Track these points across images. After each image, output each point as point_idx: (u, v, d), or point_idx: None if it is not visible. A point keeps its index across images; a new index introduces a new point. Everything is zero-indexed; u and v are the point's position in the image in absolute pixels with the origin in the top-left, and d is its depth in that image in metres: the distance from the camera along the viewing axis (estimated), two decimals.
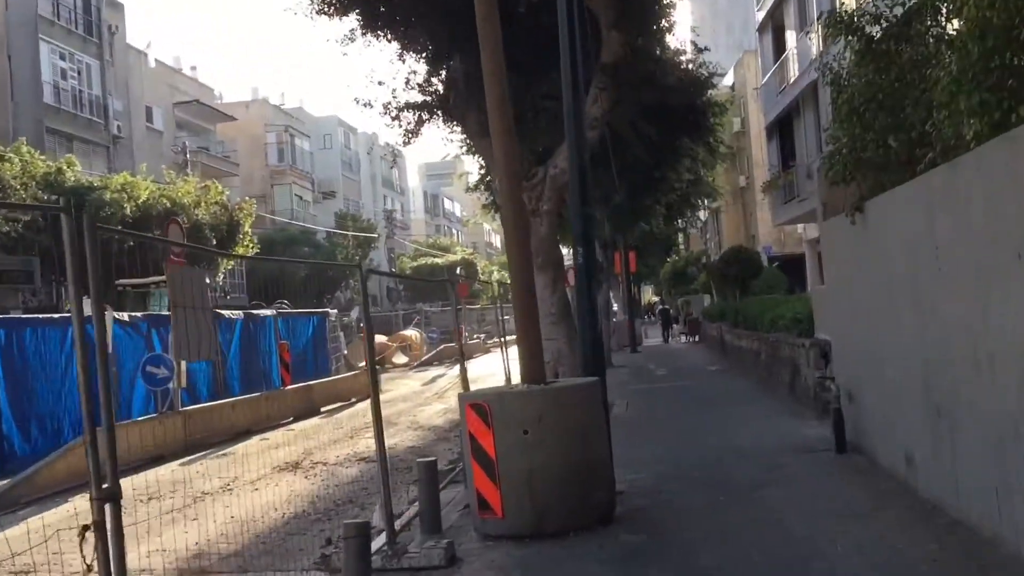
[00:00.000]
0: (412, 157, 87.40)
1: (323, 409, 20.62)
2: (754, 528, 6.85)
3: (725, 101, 25.84)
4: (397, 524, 8.02)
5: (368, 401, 22.26)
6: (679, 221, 47.55)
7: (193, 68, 51.70)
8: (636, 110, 23.32)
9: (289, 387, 19.36)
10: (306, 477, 12.06)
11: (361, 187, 72.89)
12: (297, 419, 19.09)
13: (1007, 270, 5.21)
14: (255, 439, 16.29)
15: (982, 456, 5.87)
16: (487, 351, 41.50)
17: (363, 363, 28.00)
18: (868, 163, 8.52)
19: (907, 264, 7.20)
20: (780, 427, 11.82)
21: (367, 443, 15.08)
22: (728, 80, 49.52)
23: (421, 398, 22.80)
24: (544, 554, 6.69)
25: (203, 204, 26.89)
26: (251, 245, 29.13)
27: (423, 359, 36.85)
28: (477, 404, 7.28)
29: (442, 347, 37.24)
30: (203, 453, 14.73)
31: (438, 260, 67.52)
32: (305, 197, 61.09)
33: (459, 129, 16.50)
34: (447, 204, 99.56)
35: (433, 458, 7.97)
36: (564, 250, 34.66)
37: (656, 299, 73.95)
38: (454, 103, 15.60)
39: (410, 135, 16.75)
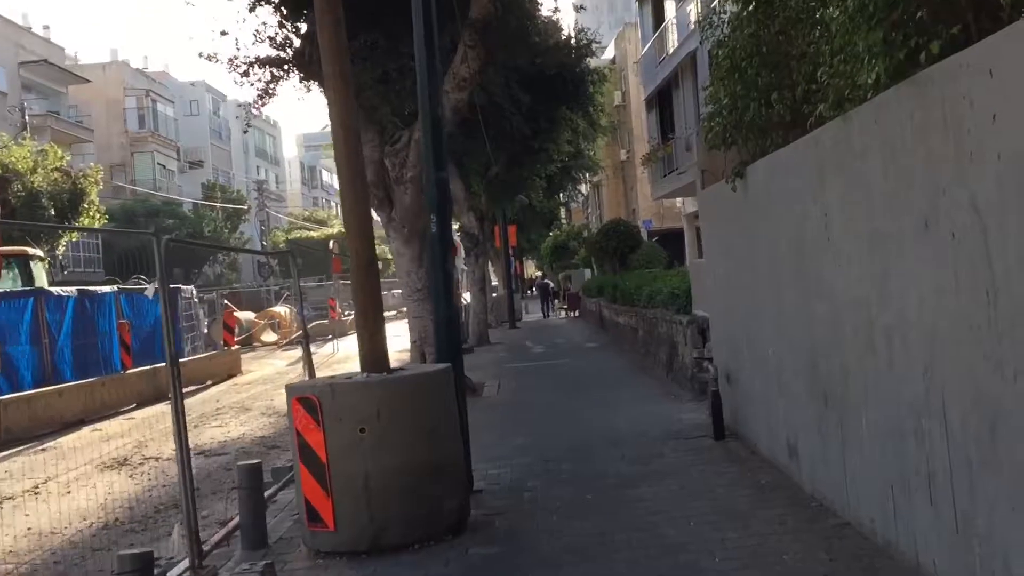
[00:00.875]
0: (289, 127, 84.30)
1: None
2: (624, 535, 5.98)
3: (604, 69, 25.12)
4: (217, 537, 6.86)
5: (228, 383, 20.63)
6: (560, 195, 47.28)
7: (46, 28, 47.75)
8: (512, 76, 22.43)
9: (131, 371, 17.66)
10: (131, 476, 10.67)
11: (232, 157, 69.72)
12: (141, 405, 17.44)
13: (912, 240, 4.43)
14: (87, 430, 14.65)
15: (877, 451, 5.14)
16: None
17: (225, 343, 26.35)
18: (750, 125, 7.75)
19: (792, 234, 6.44)
20: (656, 411, 11.10)
21: (212, 433, 13.75)
22: (609, 53, 49.21)
23: (284, 380, 21.29)
24: (381, 574, 5.65)
25: (40, 170, 24.47)
26: (98, 216, 26.78)
27: (292, 337, 35.13)
28: (305, 397, 6.17)
29: (314, 324, 35.55)
30: (20, 448, 13.06)
31: (313, 233, 65.29)
32: (169, 166, 57.81)
33: (318, 88, 15.11)
34: (325, 176, 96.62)
35: (257, 461, 6.82)
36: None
37: (538, 274, 73.71)
38: (310, 59, 14.23)
39: (264, 95, 15.31)
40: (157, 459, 11.64)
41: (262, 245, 59.41)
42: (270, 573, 5.67)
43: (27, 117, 32.89)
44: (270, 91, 15.13)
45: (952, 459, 4.16)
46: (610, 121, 46.15)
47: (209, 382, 21.39)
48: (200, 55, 14.93)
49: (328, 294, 42.70)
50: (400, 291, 14.81)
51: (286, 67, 14.62)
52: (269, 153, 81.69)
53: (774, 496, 6.62)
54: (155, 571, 6.18)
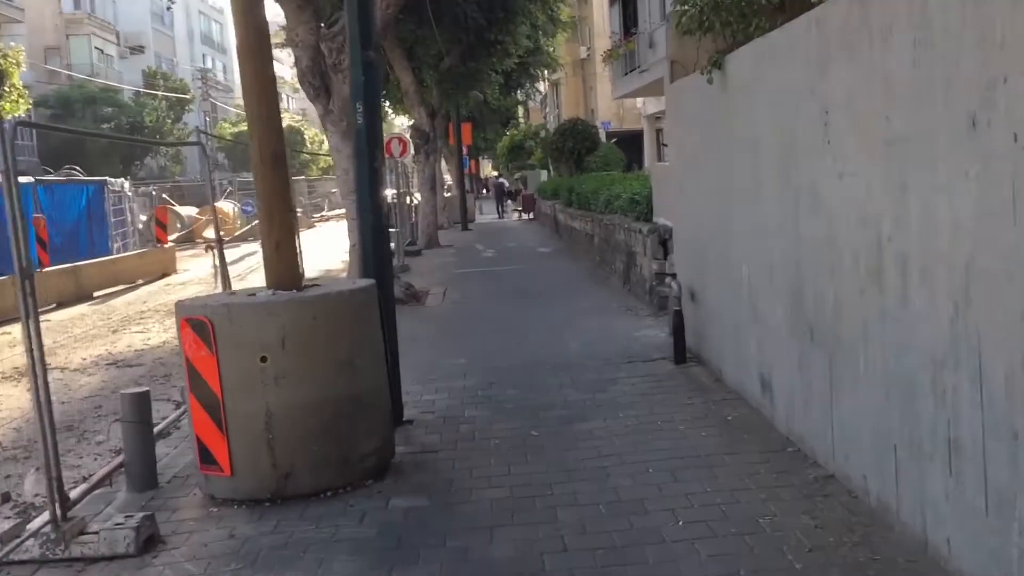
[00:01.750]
0: None
1: (96, 294, 17.75)
2: (570, 486, 5.12)
3: None
4: (98, 476, 5.90)
5: (161, 283, 19.40)
6: (518, 93, 45.60)
7: None
8: None
9: (49, 269, 16.36)
10: (29, 390, 9.57)
11: (176, 44, 66.40)
12: (62, 306, 16.24)
13: (948, 145, 3.46)
14: None
15: (877, 400, 4.27)
16: (311, 226, 38.98)
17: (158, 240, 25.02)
18: (731, 8, 6.66)
19: (779, 135, 5.44)
20: (612, 326, 10.24)
21: (131, 339, 12.68)
22: None
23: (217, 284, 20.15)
24: (282, 532, 4.74)
25: None
26: (20, 100, 24.82)
27: (236, 234, 33.70)
28: (195, 319, 5.13)
29: (256, 223, 34.11)
30: None
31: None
32: (108, 51, 54.80)
33: None
34: (278, 68, 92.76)
35: (143, 389, 5.78)
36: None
37: (495, 174, 72.22)
38: None
39: None
40: (63, 369, 10.57)
41: (206, 137, 56.93)
42: (148, 528, 4.74)
43: None
44: None
45: (986, 425, 3.28)
46: (570, 16, 44.37)
47: (140, 281, 20.16)
48: None
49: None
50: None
51: None
52: (216, 41, 78.10)
53: (744, 438, 5.79)
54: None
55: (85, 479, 6.26)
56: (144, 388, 5.76)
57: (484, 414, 6.90)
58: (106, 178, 21.42)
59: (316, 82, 13.08)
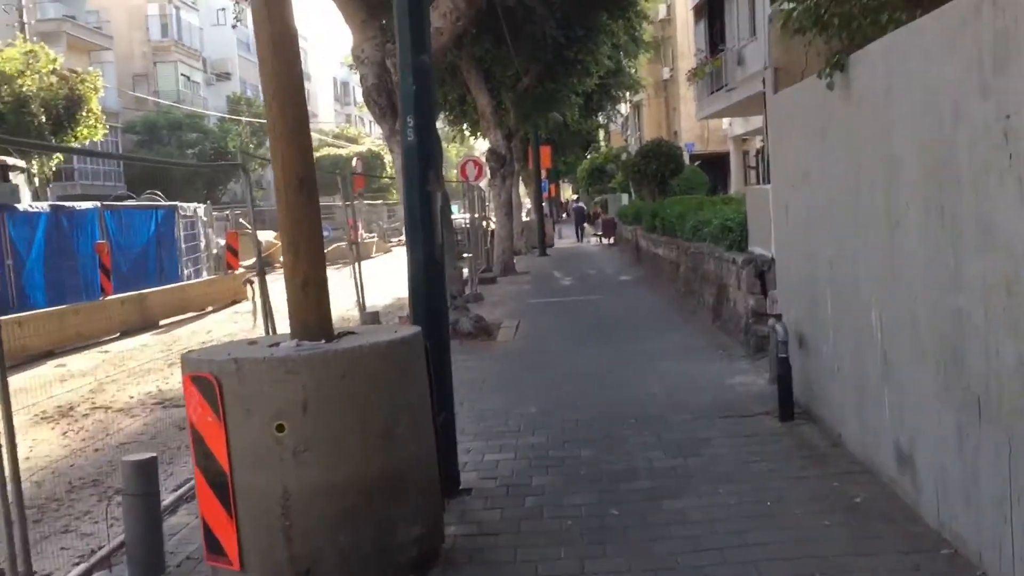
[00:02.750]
0: (327, 45, 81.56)
1: (163, 322, 17.27)
2: None
3: None
4: (98, 557, 5.05)
5: (230, 310, 18.88)
6: (599, 115, 44.65)
7: None
8: None
9: (113, 297, 15.91)
10: (65, 433, 8.89)
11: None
12: (126, 335, 15.76)
13: None
14: (51, 365, 12.96)
15: None
16: (388, 251, 38.61)
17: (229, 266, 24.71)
18: (849, 12, 5.55)
19: (929, 150, 4.28)
20: (702, 371, 9.07)
21: None
22: None
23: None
24: None
25: (29, 73, 22.43)
26: (98, 125, 24.81)
27: None
28: (199, 377, 4.22)
29: (334, 246, 33.77)
30: None
31: (343, 151, 63.10)
32: (194, 78, 55.75)
33: None
34: (359, 94, 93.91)
35: (151, 455, 4.89)
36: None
37: (575, 197, 71.28)
38: None
39: None
40: (107, 409, 9.87)
41: (248, 157, 57.47)
42: None
43: (25, 18, 30.64)
44: None
45: None
46: (653, 37, 43.26)
47: (209, 309, 19.70)
48: None
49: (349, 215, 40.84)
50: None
51: None
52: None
53: (880, 530, 4.60)
54: None
55: (94, 552, 5.42)
56: (150, 454, 4.85)
57: (555, 482, 5.83)
58: (177, 203, 21.10)
59: (382, 101, 12.31)
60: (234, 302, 20.76)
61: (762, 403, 7.37)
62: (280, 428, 4.12)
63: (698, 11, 29.12)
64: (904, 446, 4.87)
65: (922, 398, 4.57)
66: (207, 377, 4.18)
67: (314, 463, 4.14)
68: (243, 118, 54.95)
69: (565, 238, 42.32)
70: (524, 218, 39.79)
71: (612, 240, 33.37)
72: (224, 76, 60.77)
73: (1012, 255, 3.53)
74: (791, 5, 6.10)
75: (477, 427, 7.37)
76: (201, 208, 24.46)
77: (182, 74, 53.83)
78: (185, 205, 21.64)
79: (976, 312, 3.88)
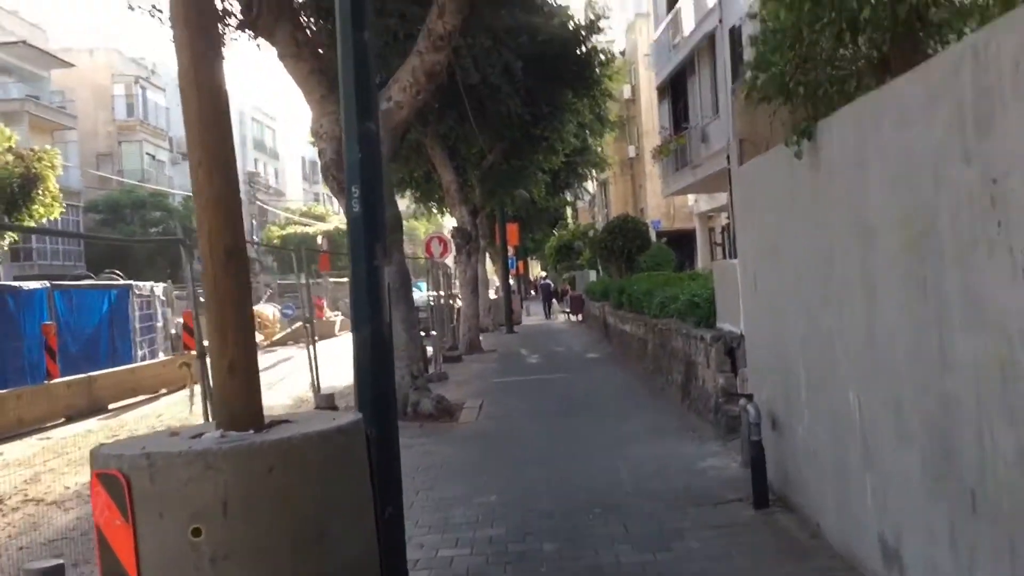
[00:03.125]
0: (292, 122, 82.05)
1: (112, 406, 16.55)
2: None
3: (613, 51, 22.68)
4: None
5: (185, 391, 18.23)
6: (566, 193, 44.94)
7: (11, 12, 45.08)
8: (510, 55, 20.04)
9: (60, 380, 15.24)
10: (8, 522, 8.23)
11: None
12: (72, 420, 15.04)
13: None
14: None
15: None
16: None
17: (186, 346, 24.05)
18: (823, 64, 5.35)
19: (907, 220, 3.99)
20: (672, 453, 8.64)
21: None
22: (619, 46, 46.70)
23: (266, 384, 18.88)
24: None
25: None
26: (55, 204, 24.33)
27: (275, 339, 32.78)
28: (106, 474, 3.74)
29: (297, 325, 33.18)
30: None
31: (310, 229, 62.83)
32: (159, 156, 55.54)
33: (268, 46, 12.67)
34: None
35: (57, 562, 4.35)
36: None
37: (543, 275, 71.42)
38: (258, 13, 11.82)
39: None
40: (39, 502, 9.21)
41: (253, 239, 57.06)
42: None
43: None
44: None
45: None
46: (619, 116, 43.85)
47: (164, 390, 18.99)
48: (129, 7, 12.48)
49: (317, 292, 40.39)
50: None
51: (228, 19, 12.23)
52: (268, 146, 79.48)
53: None
54: None
55: None
56: (56, 562, 4.32)
57: None
58: (131, 282, 20.54)
59: (341, 176, 12.01)
60: (193, 383, 20.10)
61: (735, 489, 6.96)
62: (196, 532, 3.63)
63: (662, 91, 29.50)
64: (890, 540, 4.47)
65: (909, 488, 4.19)
66: (115, 475, 3.69)
67: (235, 572, 3.65)
68: None
69: (533, 315, 42.10)
70: (492, 295, 39.56)
71: (580, 317, 33.12)
72: None
73: (1005, 334, 3.20)
74: (756, 72, 5.90)
75: (432, 518, 6.87)
76: (159, 287, 23.90)
77: (147, 153, 53.61)
78: (141, 284, 21.07)
79: (967, 396, 3.53)
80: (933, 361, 3.82)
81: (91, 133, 50.27)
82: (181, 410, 15.89)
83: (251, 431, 4.04)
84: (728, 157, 21.22)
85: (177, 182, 55.77)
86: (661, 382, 13.21)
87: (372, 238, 5.21)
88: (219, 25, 12.58)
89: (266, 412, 4.21)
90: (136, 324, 19.80)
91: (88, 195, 48.22)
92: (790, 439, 6.20)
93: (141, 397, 17.78)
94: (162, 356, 21.84)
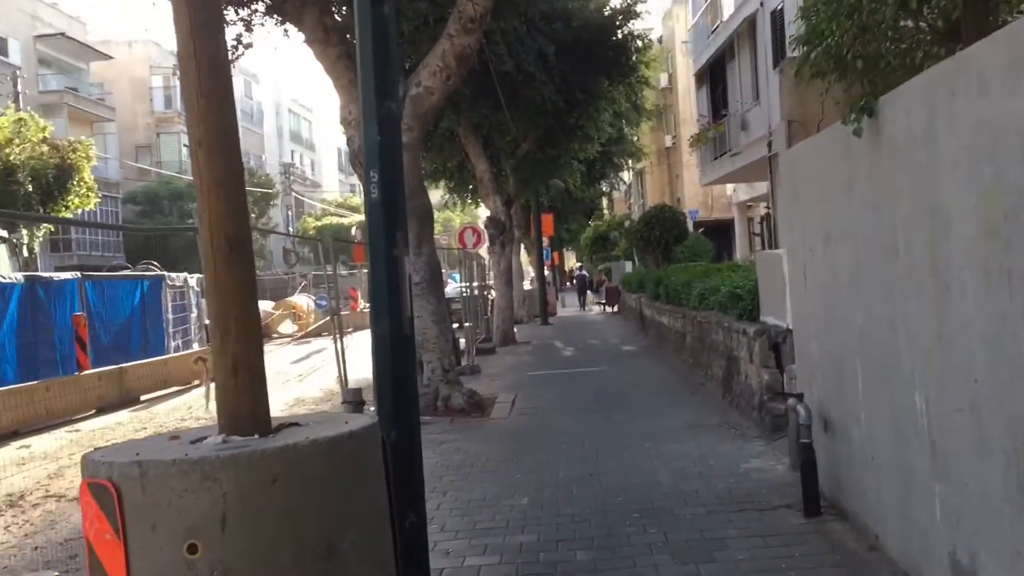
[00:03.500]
0: (327, 112, 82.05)
1: (144, 398, 16.44)
2: None
3: (650, 38, 22.12)
4: None
5: (213, 384, 18.23)
6: (601, 183, 44.39)
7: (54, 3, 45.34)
8: (545, 42, 19.63)
9: (90, 371, 15.12)
10: (7, 527, 7.99)
11: (265, 141, 67.64)
12: (103, 412, 14.92)
13: None
14: (15, 445, 12.09)
15: None
16: None
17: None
18: (880, 37, 4.87)
19: (991, 199, 3.53)
20: (713, 452, 8.20)
21: None
22: (656, 33, 45.96)
23: (278, 380, 18.71)
24: None
25: (18, 141, 21.94)
26: (90, 195, 24.29)
27: (309, 329, 32.69)
28: (97, 483, 3.42)
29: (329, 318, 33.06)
30: None
31: (345, 220, 62.84)
32: None
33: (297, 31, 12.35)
34: None
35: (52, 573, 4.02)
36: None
37: (578, 266, 70.94)
38: None
39: (238, 45, 12.70)
40: (60, 498, 8.99)
41: (289, 230, 57.30)
42: None
43: (23, 89, 30.43)
44: (242, 41, 12.50)
45: None
46: (655, 104, 43.16)
47: (196, 382, 18.87)
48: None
49: (351, 283, 40.32)
50: None
51: (256, 4, 11.95)
52: (304, 137, 79.72)
53: None
54: None
55: None
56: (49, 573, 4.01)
57: None
58: (164, 273, 20.42)
59: None
60: None
61: (782, 494, 6.51)
62: (192, 549, 3.29)
63: (699, 77, 28.84)
64: (963, 559, 4.02)
65: (988, 502, 3.74)
66: (104, 484, 3.37)
67: None
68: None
69: (568, 306, 41.68)
70: (527, 286, 39.16)
71: (616, 308, 32.62)
72: None
73: None
74: (809, 45, 5.44)
75: (460, 522, 6.52)
76: (194, 278, 23.80)
77: (185, 144, 53.77)
78: (174, 275, 20.94)
79: None
80: (1019, 360, 3.36)
81: (130, 125, 50.58)
82: (213, 402, 15.72)
83: (256, 436, 3.71)
84: (769, 144, 20.67)
85: None
86: (700, 376, 12.74)
87: (392, 225, 4.83)
88: (247, 9, 12.31)
89: (296, 403, 3.87)
90: (169, 315, 19.69)
91: (127, 186, 48.53)
92: (844, 442, 5.74)
93: (173, 388, 17.68)
94: (196, 347, 21.74)
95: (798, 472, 6.23)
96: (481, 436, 10.10)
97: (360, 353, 16.14)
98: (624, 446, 8.82)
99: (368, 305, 22.48)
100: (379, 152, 4.82)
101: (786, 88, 6.77)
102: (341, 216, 65.51)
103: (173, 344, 19.70)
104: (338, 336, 10.68)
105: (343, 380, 10.34)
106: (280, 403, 15.13)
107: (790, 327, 8.37)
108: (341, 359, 10.32)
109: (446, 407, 11.70)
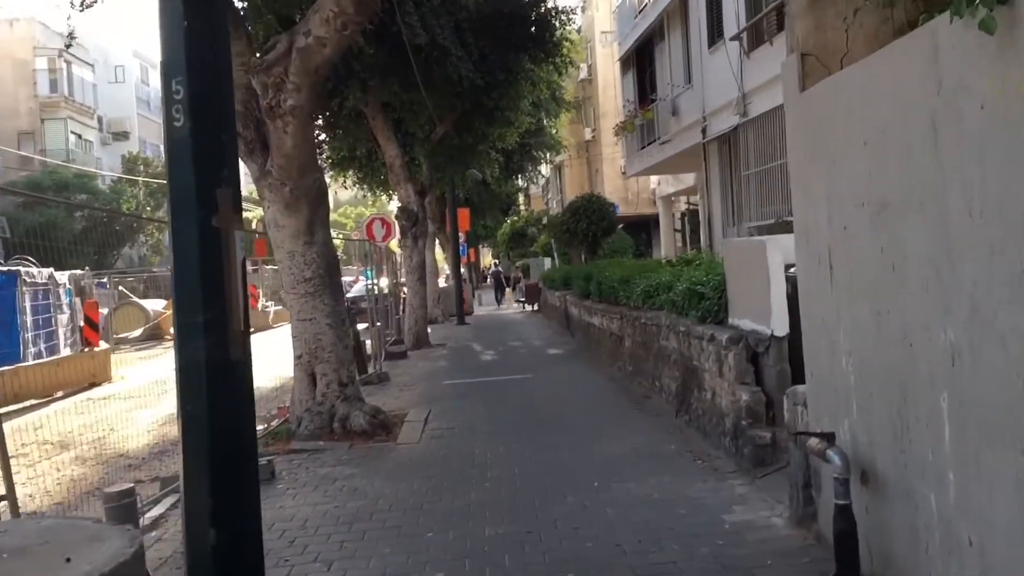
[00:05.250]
0: None
1: None
2: None
3: (569, 9, 20.33)
4: None
5: (84, 395, 15.56)
6: (519, 177, 42.68)
7: None
8: (461, 15, 17.69)
9: None
10: None
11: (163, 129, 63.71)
12: None
13: None
14: None
15: None
16: (269, 327, 33.72)
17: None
18: None
19: None
20: (684, 499, 6.35)
21: None
22: (575, 24, 44.38)
23: (161, 390, 16.21)
24: None
25: None
26: None
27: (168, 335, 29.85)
28: None
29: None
30: None
31: (249, 213, 59.60)
32: (87, 136, 51.90)
33: None
34: None
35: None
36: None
37: (495, 262, 69.23)
38: None
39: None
40: None
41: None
42: None
43: None
44: None
45: None
46: (575, 96, 41.62)
47: (59, 394, 16.31)
48: None
49: (253, 281, 37.49)
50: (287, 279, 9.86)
51: None
52: None
53: None
54: None
55: None
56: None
57: None
58: (19, 268, 17.70)
59: (248, 133, 9.53)
60: (92, 384, 17.40)
61: (795, 565, 4.71)
62: None
63: (625, 62, 27.23)
64: None
65: None
66: None
67: None
68: (139, 178, 51.30)
69: (485, 304, 39.74)
70: (442, 284, 37.09)
71: (536, 307, 30.83)
72: (122, 135, 57.00)
73: None
74: None
75: None
76: (65, 275, 21.02)
77: (73, 132, 50.01)
78: (35, 271, 18.24)
79: None
80: None
81: (10, 110, 46.61)
82: (64, 419, 13.25)
83: None
84: (703, 129, 19.07)
85: (108, 164, 52.34)
86: (644, 388, 10.96)
87: (209, 177, 2.81)
88: None
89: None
90: (27, 317, 17.02)
91: (8, 176, 44.62)
92: (905, 507, 3.95)
93: (29, 402, 15.09)
94: (67, 353, 19.05)
95: (805, 529, 4.44)
96: (385, 469, 8.09)
97: (256, 359, 13.73)
98: (566, 485, 6.92)
99: (269, 304, 19.51)
100: (187, 52, 2.78)
101: (798, 9, 4.92)
102: (247, 209, 62.25)
103: (32, 351, 17.04)
104: None
105: None
106: (157, 417, 12.81)
107: (776, 333, 6.61)
108: None
109: (344, 429, 9.65)
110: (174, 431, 11.26)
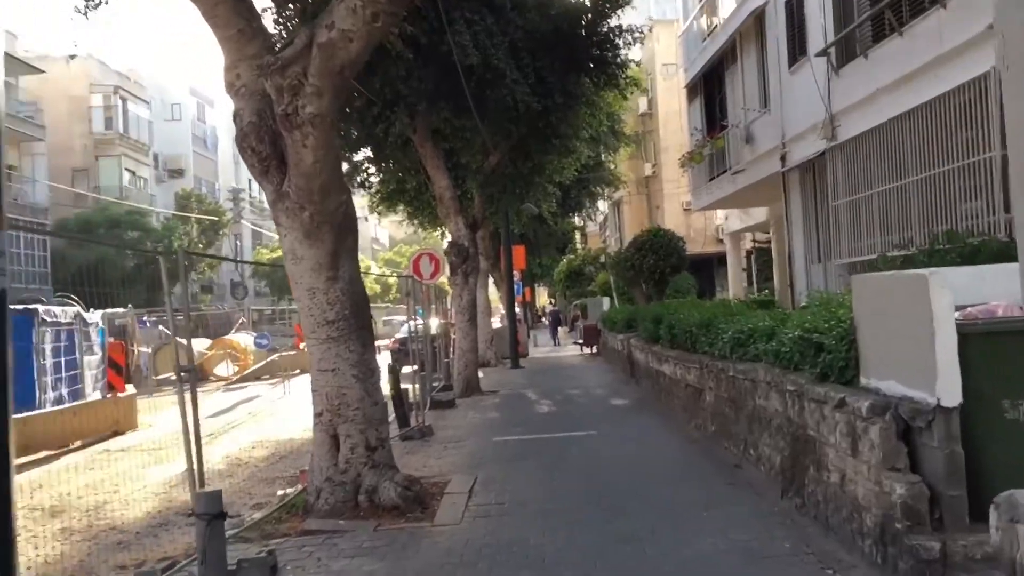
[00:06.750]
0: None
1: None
2: None
3: (635, 28, 18.74)
4: None
5: (101, 446, 14.05)
6: (575, 214, 41.14)
7: None
8: (517, 35, 16.25)
9: None
10: None
11: (219, 167, 63.64)
12: None
13: None
14: None
15: None
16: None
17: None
18: None
19: None
20: None
21: None
22: (635, 55, 42.91)
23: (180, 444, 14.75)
24: None
25: None
26: None
27: (246, 372, 28.68)
28: None
29: (273, 357, 29.11)
30: None
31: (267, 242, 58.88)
32: (141, 172, 51.65)
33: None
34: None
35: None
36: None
37: (551, 301, 67.55)
38: None
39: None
40: None
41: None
42: None
43: None
44: None
45: None
46: (634, 131, 40.01)
47: (77, 443, 14.95)
48: None
49: (296, 320, 36.33)
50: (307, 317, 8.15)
51: None
52: None
53: None
54: None
55: None
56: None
57: None
58: (37, 307, 16.46)
59: (262, 148, 8.00)
60: (115, 433, 16.02)
61: None
62: None
63: (692, 90, 25.53)
64: None
65: None
66: None
67: None
68: (192, 215, 50.86)
69: (541, 345, 37.99)
70: (496, 324, 35.39)
71: (595, 350, 28.96)
72: (177, 173, 56.87)
73: None
74: None
75: None
76: (97, 314, 19.84)
77: (127, 168, 49.78)
78: (58, 310, 17.03)
79: None
80: None
81: (65, 147, 46.48)
82: (70, 478, 11.79)
83: None
84: (783, 157, 17.21)
85: (162, 201, 52.03)
86: (734, 455, 9.11)
87: None
88: None
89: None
90: (46, 360, 15.75)
91: (59, 212, 44.32)
92: None
93: (42, 454, 13.73)
94: (95, 397, 17.77)
95: None
96: (416, 565, 6.37)
97: (294, 405, 12.27)
98: None
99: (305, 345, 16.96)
100: None
101: None
102: (268, 237, 61.55)
103: (51, 396, 15.74)
104: (184, 402, 6.91)
105: (196, 479, 6.57)
106: (175, 473, 11.31)
107: (943, 403, 4.79)
108: (192, 450, 6.56)
109: (371, 503, 7.98)
110: (184, 495, 9.69)
